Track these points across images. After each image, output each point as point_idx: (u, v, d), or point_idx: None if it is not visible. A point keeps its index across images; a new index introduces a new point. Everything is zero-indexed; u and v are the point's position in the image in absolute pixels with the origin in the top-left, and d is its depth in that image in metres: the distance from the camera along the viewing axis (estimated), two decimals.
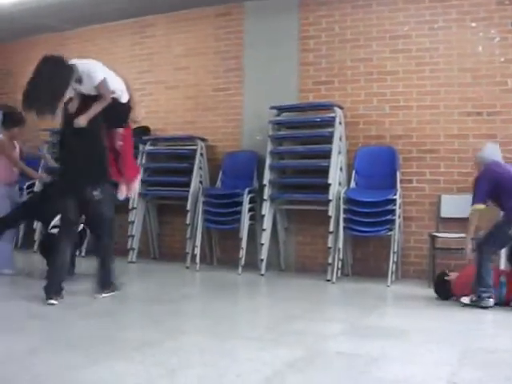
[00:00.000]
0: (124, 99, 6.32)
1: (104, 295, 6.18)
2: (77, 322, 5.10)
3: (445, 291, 6.46)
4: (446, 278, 6.53)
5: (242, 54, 9.03)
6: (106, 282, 6.27)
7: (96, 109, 5.92)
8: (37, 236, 9.51)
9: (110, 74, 6.21)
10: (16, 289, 6.81)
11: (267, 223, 8.10)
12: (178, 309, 5.91)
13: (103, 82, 5.97)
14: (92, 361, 3.75)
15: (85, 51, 10.74)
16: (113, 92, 6.07)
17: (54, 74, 5.73)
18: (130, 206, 9.05)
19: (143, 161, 9.19)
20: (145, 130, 9.65)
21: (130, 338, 4.51)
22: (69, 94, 5.87)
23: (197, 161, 8.85)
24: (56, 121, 6.19)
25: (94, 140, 6.13)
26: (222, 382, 3.38)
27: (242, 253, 8.07)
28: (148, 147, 9.26)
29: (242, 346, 4.31)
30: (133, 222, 9.14)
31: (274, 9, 8.85)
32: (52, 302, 5.73)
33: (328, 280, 7.52)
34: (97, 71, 6.06)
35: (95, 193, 6.09)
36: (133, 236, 9.04)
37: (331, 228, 7.60)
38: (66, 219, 6.24)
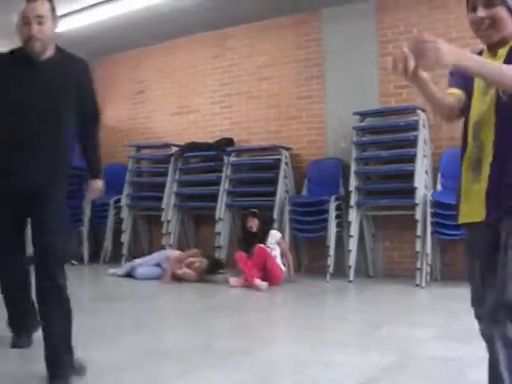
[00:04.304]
0: None
1: None
2: (167, 333, 5.20)
3: None
4: None
5: (323, 61, 9.23)
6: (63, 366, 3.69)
7: None
8: None
9: None
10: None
11: (354, 230, 8.23)
12: (268, 317, 6.04)
13: None
14: (184, 370, 3.84)
15: (165, 66, 11.12)
16: None
17: None
18: (217, 217, 9.15)
19: (228, 172, 9.29)
20: (228, 142, 9.83)
21: (221, 347, 4.65)
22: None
23: (282, 170, 9.14)
24: None
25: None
26: None
27: (330, 260, 8.10)
28: (232, 158, 9.61)
29: (334, 352, 4.40)
30: (219, 233, 9.19)
31: (350, 14, 9.06)
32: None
33: (417, 285, 7.60)
34: None
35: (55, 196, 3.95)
36: (220, 247, 9.15)
37: (418, 232, 7.72)
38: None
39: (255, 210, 8.55)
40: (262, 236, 8.28)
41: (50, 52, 3.89)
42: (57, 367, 3.60)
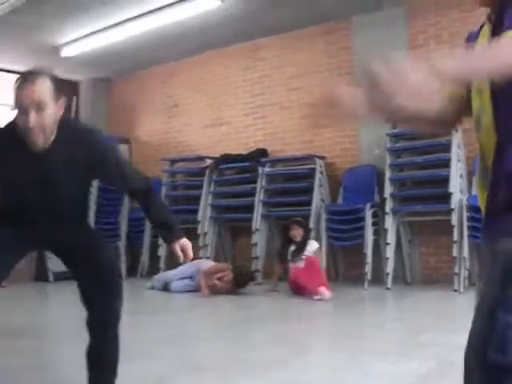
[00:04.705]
0: None
1: None
2: (205, 345, 5.21)
3: None
4: None
5: (354, 69, 9.05)
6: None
7: None
8: None
9: None
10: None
11: (391, 237, 8.14)
12: (305, 327, 6.05)
13: None
14: (223, 382, 3.84)
15: (197, 79, 11.19)
16: None
17: None
18: (253, 228, 9.17)
19: (263, 183, 9.31)
20: (262, 153, 9.85)
21: (259, 357, 4.66)
22: None
23: (317, 179, 9.20)
24: None
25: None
26: None
27: (368, 268, 8.08)
28: (267, 169, 9.63)
29: (373, 360, 4.39)
30: (256, 244, 9.22)
31: (380, 20, 9.12)
32: None
33: (455, 290, 7.53)
34: None
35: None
36: (257, 258, 9.15)
37: (455, 237, 7.68)
38: None
39: (300, 219, 8.55)
40: (302, 245, 8.30)
41: (52, 136, 3.23)
42: None
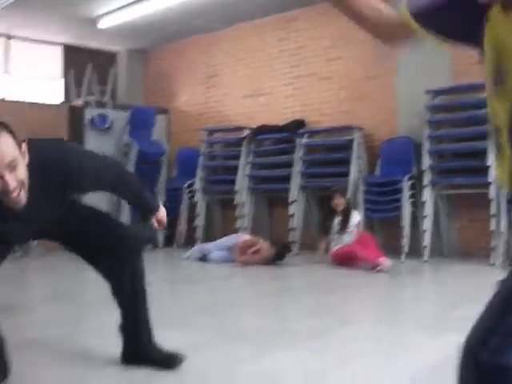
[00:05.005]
0: None
1: None
2: (243, 315, 5.25)
3: None
4: None
5: None
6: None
7: None
8: None
9: None
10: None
11: (428, 209, 8.16)
12: (344, 298, 6.05)
13: None
14: (260, 352, 3.87)
15: (235, 50, 11.21)
16: None
17: None
18: (290, 199, 9.19)
19: (300, 154, 9.34)
20: (300, 124, 9.84)
21: (298, 328, 4.68)
22: None
23: (354, 150, 9.24)
24: None
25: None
26: (395, 369, 3.45)
27: (405, 240, 8.08)
28: (304, 140, 9.61)
29: (412, 333, 4.42)
30: (293, 215, 9.28)
31: None
32: None
33: (492, 264, 7.48)
34: None
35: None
36: (294, 229, 9.17)
37: (493, 211, 7.53)
38: None
39: (340, 189, 8.56)
40: (345, 217, 8.29)
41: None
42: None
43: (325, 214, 8.66)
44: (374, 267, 7.57)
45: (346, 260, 7.93)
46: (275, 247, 8.55)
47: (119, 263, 3.61)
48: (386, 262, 7.58)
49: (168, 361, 3.63)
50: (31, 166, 2.98)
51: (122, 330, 3.69)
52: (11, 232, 3.20)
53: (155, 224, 3.74)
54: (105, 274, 3.67)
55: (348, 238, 8.16)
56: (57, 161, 3.13)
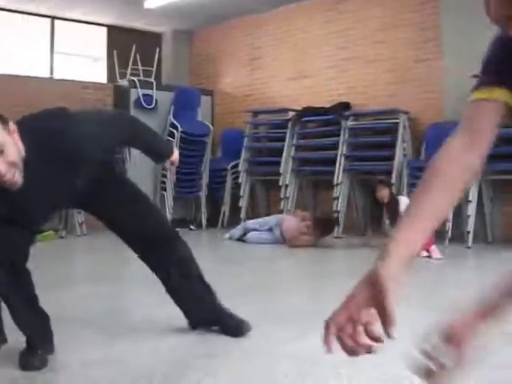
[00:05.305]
0: None
1: None
2: (284, 296, 5.28)
3: None
4: None
5: (439, 23, 9.04)
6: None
7: None
8: None
9: None
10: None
11: (473, 195, 8.13)
12: None
13: None
14: (301, 333, 3.90)
15: (280, 32, 11.20)
16: None
17: None
18: (335, 182, 9.19)
19: (345, 136, 9.31)
20: (345, 106, 9.84)
21: None
22: None
23: (400, 134, 9.23)
24: None
25: None
26: None
27: (448, 225, 8.01)
28: (350, 123, 9.66)
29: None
30: (337, 198, 9.27)
31: None
32: None
33: None
34: None
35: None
36: (338, 212, 9.25)
37: None
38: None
39: (383, 178, 8.40)
40: (393, 206, 7.87)
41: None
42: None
43: (371, 208, 8.41)
44: (423, 253, 7.37)
45: None
46: (323, 221, 8.56)
47: (159, 251, 3.76)
48: (436, 252, 7.48)
49: (237, 327, 3.84)
50: (30, 144, 2.99)
51: (182, 305, 3.89)
52: (24, 209, 3.20)
53: (168, 165, 3.83)
54: (147, 262, 3.83)
55: None
56: (58, 136, 3.06)
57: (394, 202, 7.98)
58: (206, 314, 3.95)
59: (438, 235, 8.38)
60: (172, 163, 3.82)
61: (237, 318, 3.92)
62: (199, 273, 3.93)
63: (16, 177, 2.90)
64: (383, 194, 8.06)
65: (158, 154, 3.81)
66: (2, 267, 3.23)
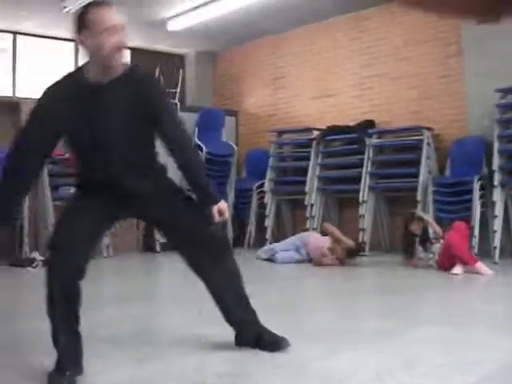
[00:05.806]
0: None
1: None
2: (313, 314, 5.30)
3: None
4: None
5: (461, 39, 8.96)
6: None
7: None
8: None
9: None
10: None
11: (499, 210, 8.03)
12: (414, 299, 6.05)
13: None
14: (331, 351, 3.91)
15: (303, 51, 11.27)
16: None
17: None
18: (360, 200, 9.20)
19: (370, 154, 9.36)
20: (369, 124, 9.89)
21: (367, 328, 4.67)
22: None
23: (424, 150, 9.28)
24: None
25: None
26: (462, 370, 3.43)
27: (475, 241, 8.00)
28: (374, 140, 9.72)
29: (481, 334, 4.38)
30: (363, 216, 9.28)
31: None
32: None
33: None
34: None
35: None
36: (364, 230, 9.19)
37: None
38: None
39: (420, 215, 8.29)
40: (425, 235, 8.08)
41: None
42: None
43: (405, 239, 8.31)
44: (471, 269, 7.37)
45: (446, 257, 7.59)
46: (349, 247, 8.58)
47: (210, 260, 3.86)
48: (485, 268, 7.36)
49: (276, 343, 3.88)
50: (125, 71, 3.39)
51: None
52: (104, 129, 3.38)
53: (215, 214, 3.61)
54: (195, 269, 3.88)
55: (435, 248, 7.93)
56: (141, 73, 3.54)
57: (425, 232, 8.12)
58: (249, 326, 4.04)
59: None
60: (221, 213, 3.64)
61: (276, 334, 3.95)
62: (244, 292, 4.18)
63: (121, 56, 3.30)
64: (416, 228, 8.12)
65: (205, 191, 3.66)
66: (60, 282, 3.31)
